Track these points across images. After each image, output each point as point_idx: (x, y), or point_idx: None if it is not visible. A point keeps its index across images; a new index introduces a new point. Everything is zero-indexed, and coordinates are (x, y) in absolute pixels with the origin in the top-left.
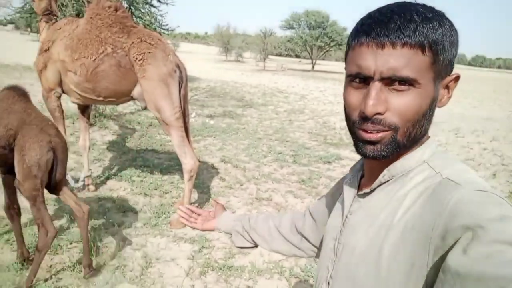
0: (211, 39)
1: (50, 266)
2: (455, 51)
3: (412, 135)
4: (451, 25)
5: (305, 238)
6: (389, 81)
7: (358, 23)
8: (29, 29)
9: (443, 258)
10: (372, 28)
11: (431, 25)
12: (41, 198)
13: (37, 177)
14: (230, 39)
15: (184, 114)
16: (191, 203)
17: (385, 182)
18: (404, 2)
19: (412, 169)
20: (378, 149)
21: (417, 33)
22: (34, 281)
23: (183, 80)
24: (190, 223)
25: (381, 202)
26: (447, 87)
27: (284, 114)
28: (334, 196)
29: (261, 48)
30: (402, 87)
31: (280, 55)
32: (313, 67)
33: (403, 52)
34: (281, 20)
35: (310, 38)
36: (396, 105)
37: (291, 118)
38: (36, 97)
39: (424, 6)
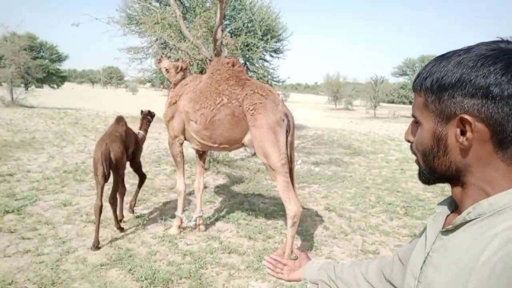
0: (321, 88)
1: None
2: (461, 91)
3: (429, 165)
4: (466, 66)
5: (394, 286)
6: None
7: None
8: (161, 86)
9: None
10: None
11: (430, 71)
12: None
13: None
14: (340, 87)
15: (290, 161)
16: (293, 250)
17: (470, 221)
18: (446, 52)
19: (503, 210)
20: (419, 173)
21: (417, 80)
22: None
23: (290, 128)
24: (276, 274)
25: (466, 241)
26: (463, 128)
27: (396, 162)
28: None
29: (371, 95)
30: (417, 124)
31: (392, 102)
32: None
33: (415, 96)
34: (393, 67)
35: None
36: (415, 138)
37: (403, 167)
38: (162, 143)
39: (452, 52)
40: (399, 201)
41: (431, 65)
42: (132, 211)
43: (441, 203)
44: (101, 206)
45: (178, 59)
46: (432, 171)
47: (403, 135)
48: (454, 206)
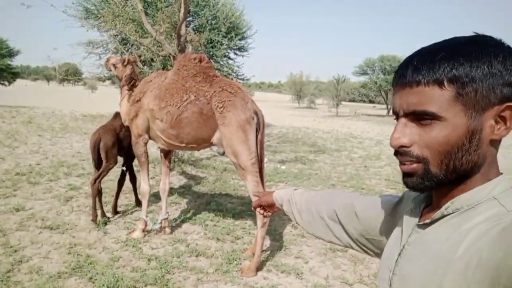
0: (284, 87)
1: None
2: (495, 82)
3: (450, 167)
4: (497, 55)
5: (343, 227)
6: (415, 116)
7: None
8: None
9: None
10: (399, 72)
11: (452, 61)
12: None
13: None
14: (303, 86)
15: (260, 160)
16: (262, 251)
17: (448, 215)
18: (443, 40)
19: (479, 204)
20: (415, 181)
21: (431, 72)
22: None
23: (260, 127)
24: (267, 213)
25: (443, 235)
26: (502, 117)
27: (359, 160)
28: (389, 216)
29: (333, 94)
30: (425, 121)
31: (353, 100)
32: (388, 112)
33: (419, 89)
34: (354, 66)
35: (385, 83)
36: (423, 138)
37: (367, 164)
38: None
39: (456, 41)
40: (386, 193)
41: (444, 58)
42: (116, 212)
43: (417, 196)
44: (98, 189)
45: (140, 55)
46: (454, 171)
47: (393, 140)
48: (429, 200)
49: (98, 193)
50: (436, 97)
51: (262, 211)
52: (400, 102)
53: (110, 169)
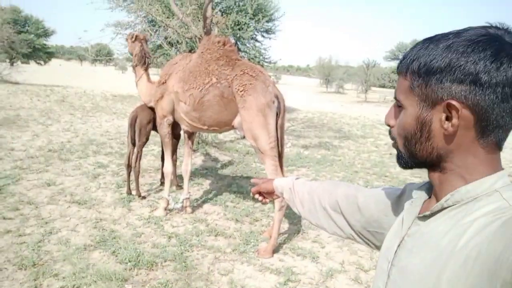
0: (313, 71)
1: (144, 281)
2: (451, 77)
3: (409, 151)
4: (455, 51)
5: (345, 218)
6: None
7: None
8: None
9: None
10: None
11: (416, 53)
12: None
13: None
14: (332, 70)
15: (280, 144)
16: (279, 234)
17: (448, 207)
18: (434, 35)
19: (480, 197)
20: (396, 158)
21: (402, 62)
22: None
23: (280, 111)
24: (264, 200)
25: (443, 227)
26: (449, 114)
27: (385, 147)
28: (392, 209)
29: (363, 79)
30: (399, 108)
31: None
32: None
33: (399, 78)
34: (386, 51)
35: None
36: (396, 122)
37: (392, 151)
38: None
39: (434, 37)
40: (387, 186)
41: (418, 48)
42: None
43: (418, 188)
44: (128, 165)
45: (166, 37)
46: (412, 156)
47: (384, 118)
48: (432, 191)
49: (134, 171)
50: (402, 87)
51: (260, 198)
52: (395, 88)
53: (143, 145)
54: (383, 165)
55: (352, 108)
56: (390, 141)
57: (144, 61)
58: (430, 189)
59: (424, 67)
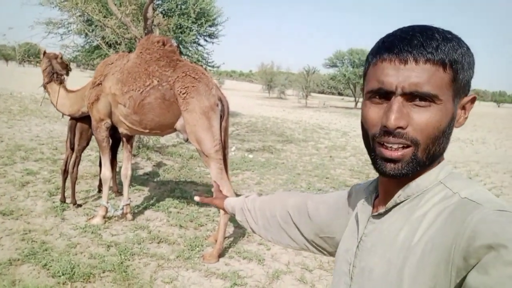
0: (255, 76)
1: None
2: (472, 73)
3: (431, 152)
4: (468, 48)
5: (298, 229)
6: (410, 96)
7: (379, 41)
8: (87, 66)
9: (465, 278)
10: (395, 44)
11: (451, 44)
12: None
13: None
14: (274, 76)
15: (224, 147)
16: (225, 238)
17: (400, 203)
18: (424, 25)
19: (428, 189)
20: (399, 168)
21: (439, 51)
22: None
23: (224, 114)
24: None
25: (398, 223)
26: (464, 107)
27: (325, 150)
28: (341, 212)
29: (303, 85)
30: (423, 103)
31: (322, 92)
32: (356, 104)
33: (425, 68)
34: (324, 59)
35: (353, 76)
36: (418, 121)
37: (332, 154)
38: None
39: (442, 29)
40: (328, 187)
41: (444, 39)
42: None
43: (366, 188)
44: (65, 170)
45: (103, 37)
46: (430, 157)
47: (393, 121)
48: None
49: (71, 177)
50: (438, 79)
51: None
52: (398, 79)
53: (83, 150)
54: (324, 167)
55: (294, 113)
56: (330, 144)
57: (51, 79)
58: (377, 187)
59: (461, 62)
